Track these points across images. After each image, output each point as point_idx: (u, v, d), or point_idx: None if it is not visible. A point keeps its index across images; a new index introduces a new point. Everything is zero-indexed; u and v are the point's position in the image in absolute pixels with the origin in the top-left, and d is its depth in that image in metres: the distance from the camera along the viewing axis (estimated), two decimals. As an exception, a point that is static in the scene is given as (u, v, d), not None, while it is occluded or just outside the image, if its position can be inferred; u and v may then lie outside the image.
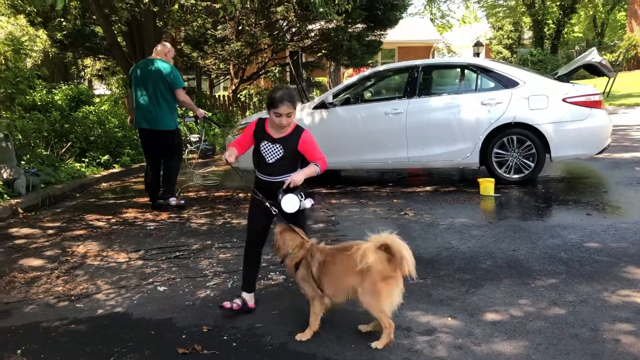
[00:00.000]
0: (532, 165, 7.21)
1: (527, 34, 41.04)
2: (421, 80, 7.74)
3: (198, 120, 7.27)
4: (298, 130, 3.62)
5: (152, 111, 6.56)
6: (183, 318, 3.72)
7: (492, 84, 7.51)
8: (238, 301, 3.73)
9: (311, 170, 3.54)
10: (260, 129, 3.64)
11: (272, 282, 4.34)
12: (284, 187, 3.45)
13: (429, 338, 3.31)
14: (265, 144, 3.60)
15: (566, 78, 7.52)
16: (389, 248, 3.16)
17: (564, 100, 7.09)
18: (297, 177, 3.45)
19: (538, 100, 7.13)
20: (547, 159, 7.23)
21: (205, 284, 4.33)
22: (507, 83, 7.35)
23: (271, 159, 3.59)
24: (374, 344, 3.21)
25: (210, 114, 12.55)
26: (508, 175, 7.33)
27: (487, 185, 6.94)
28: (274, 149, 3.59)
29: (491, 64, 7.83)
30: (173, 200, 6.86)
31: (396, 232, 3.19)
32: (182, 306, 3.92)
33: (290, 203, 3.42)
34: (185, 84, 6.96)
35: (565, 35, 39.67)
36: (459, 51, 42.23)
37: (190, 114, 10.17)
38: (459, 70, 8.10)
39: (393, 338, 3.22)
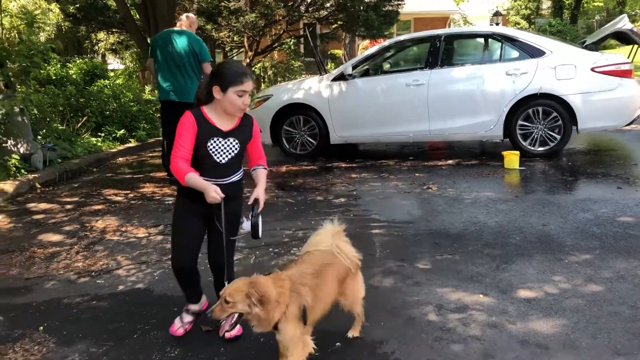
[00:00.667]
0: (558, 137, 7.00)
1: (546, 4, 40.02)
2: (443, 50, 7.51)
3: None
4: (248, 117, 2.94)
5: (183, 83, 6.40)
6: (206, 295, 3.63)
7: (517, 54, 7.26)
8: (187, 318, 3.21)
9: (265, 178, 3.00)
10: (203, 123, 2.79)
11: (295, 259, 4.22)
12: (260, 210, 2.84)
13: (461, 316, 3.19)
14: (215, 141, 2.80)
15: (594, 47, 7.25)
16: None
17: (592, 69, 6.84)
18: (263, 194, 2.91)
19: (565, 70, 6.88)
20: (573, 131, 7.02)
21: (227, 259, 4.23)
22: (532, 52, 7.10)
23: (224, 158, 2.85)
24: (351, 333, 3.04)
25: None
26: (533, 148, 7.13)
27: (511, 158, 6.75)
28: (228, 146, 2.84)
29: (516, 33, 7.57)
30: None
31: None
32: (204, 282, 3.79)
33: (259, 227, 2.87)
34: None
35: (585, 5, 38.65)
36: (476, 22, 41.36)
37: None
38: (482, 39, 7.84)
39: None
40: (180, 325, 3.16)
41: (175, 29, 6.60)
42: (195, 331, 3.19)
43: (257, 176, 2.98)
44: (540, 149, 7.10)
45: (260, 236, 2.86)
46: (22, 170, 6.82)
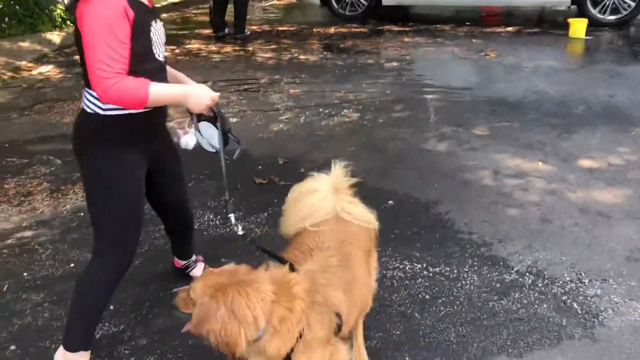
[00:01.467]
0: (633, 4, 6.40)
1: None
2: None
3: None
4: None
5: None
6: (258, 150, 3.62)
7: None
8: None
9: None
10: (134, 3, 1.66)
11: (347, 120, 4.13)
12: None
13: (519, 182, 3.11)
14: (154, 27, 1.75)
15: None
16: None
17: None
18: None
19: None
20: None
21: (278, 117, 4.17)
22: None
23: (161, 51, 1.83)
24: None
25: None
26: (603, 16, 6.57)
27: (578, 27, 6.25)
28: (161, 32, 1.83)
29: None
30: (248, 32, 6.88)
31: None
32: (256, 138, 3.80)
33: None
34: None
35: None
36: None
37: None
38: None
39: None
40: None
41: None
42: (250, 183, 3.20)
43: (173, 73, 2.03)
44: (611, 17, 6.54)
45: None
46: (68, 22, 6.71)
